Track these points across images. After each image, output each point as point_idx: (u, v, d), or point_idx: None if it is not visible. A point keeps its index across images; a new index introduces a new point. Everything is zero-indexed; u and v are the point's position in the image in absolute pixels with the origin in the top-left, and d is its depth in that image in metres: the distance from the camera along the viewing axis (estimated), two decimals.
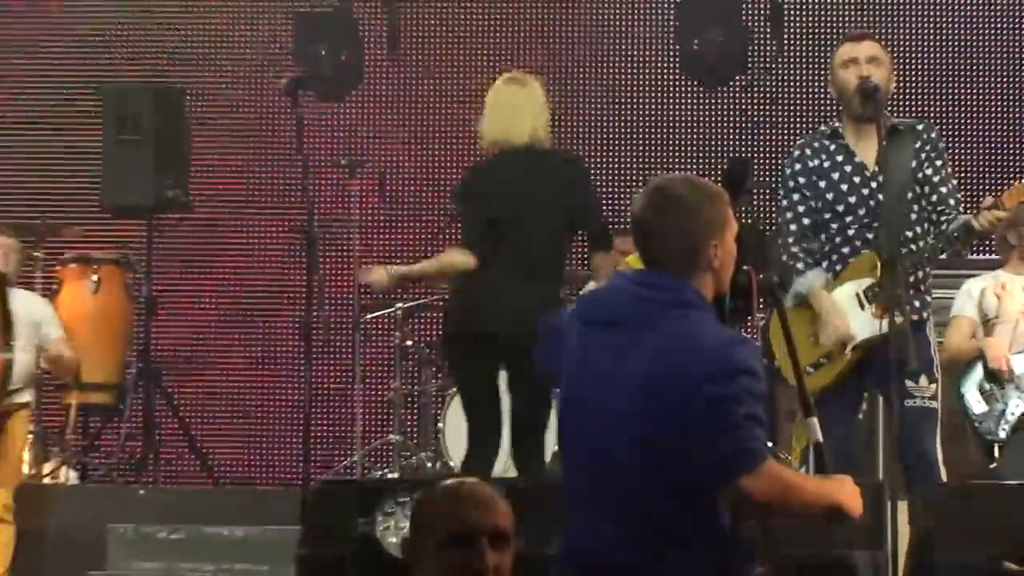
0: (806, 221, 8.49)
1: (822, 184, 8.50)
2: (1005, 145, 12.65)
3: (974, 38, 13.09)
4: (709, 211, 5.51)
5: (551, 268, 8.69)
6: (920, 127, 8.71)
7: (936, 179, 8.56)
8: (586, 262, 9.78)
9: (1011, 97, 12.86)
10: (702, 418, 5.16)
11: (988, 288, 9.93)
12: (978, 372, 9.84)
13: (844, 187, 8.51)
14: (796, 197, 8.52)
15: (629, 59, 13.30)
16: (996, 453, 9.71)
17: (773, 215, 9.10)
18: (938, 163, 8.60)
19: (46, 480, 11.52)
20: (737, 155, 9.48)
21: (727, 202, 5.57)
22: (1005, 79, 12.99)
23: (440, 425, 10.68)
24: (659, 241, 5.52)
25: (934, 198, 8.52)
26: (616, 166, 12.15)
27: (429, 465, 10.91)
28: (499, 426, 9.00)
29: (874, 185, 8.49)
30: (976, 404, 9.73)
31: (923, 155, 8.58)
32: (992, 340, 9.83)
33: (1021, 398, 9.69)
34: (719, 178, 6.63)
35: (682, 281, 5.44)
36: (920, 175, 8.51)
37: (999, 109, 12.84)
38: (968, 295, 9.96)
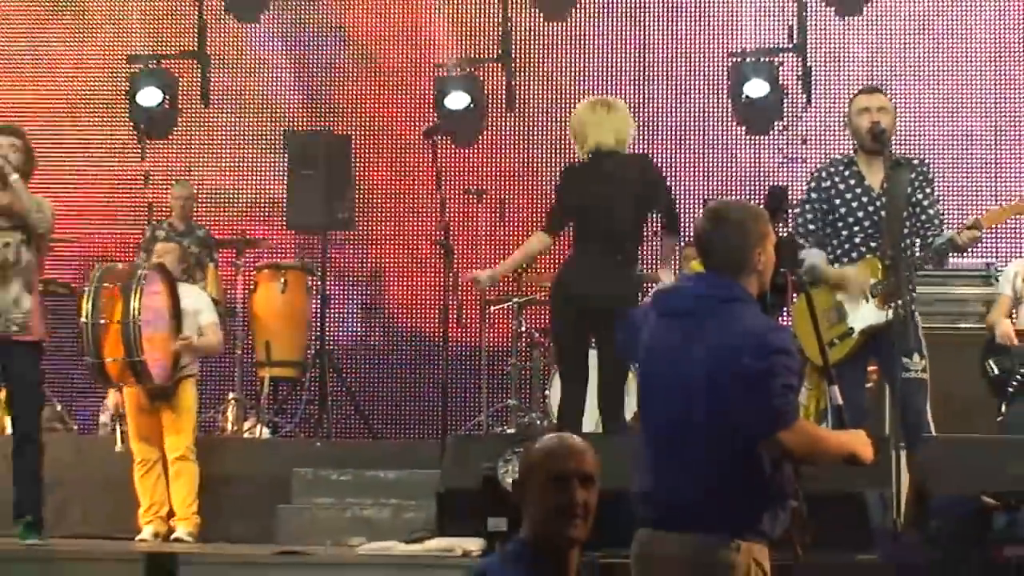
0: (811, 222, 8.50)
1: (837, 201, 8.51)
2: (982, 177, 12.59)
3: (959, 92, 13.03)
4: (754, 227, 5.59)
5: (630, 247, 8.67)
6: (916, 162, 8.76)
7: (926, 203, 8.57)
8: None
9: (987, 139, 12.82)
10: (749, 388, 5.25)
11: (1020, 271, 9.84)
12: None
13: (854, 204, 8.51)
14: (808, 206, 8.55)
15: (692, 108, 13.30)
16: (1003, 408, 9.68)
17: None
18: (928, 190, 8.61)
19: (246, 435, 11.61)
20: (776, 184, 9.43)
21: (767, 220, 5.63)
22: (983, 125, 12.94)
23: (547, 392, 10.68)
24: (716, 250, 5.61)
25: (923, 217, 8.52)
26: (683, 192, 12.12)
27: (538, 423, 10.88)
28: (586, 382, 8.92)
29: (878, 204, 8.48)
30: (992, 368, 9.67)
31: (917, 183, 8.58)
32: (1003, 319, 9.73)
33: None
34: (762, 201, 6.62)
35: (734, 281, 5.53)
36: (914, 199, 8.52)
37: (978, 148, 12.80)
38: (1007, 277, 9.86)
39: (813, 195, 8.50)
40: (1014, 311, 9.80)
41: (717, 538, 5.25)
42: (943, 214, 8.72)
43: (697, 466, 5.31)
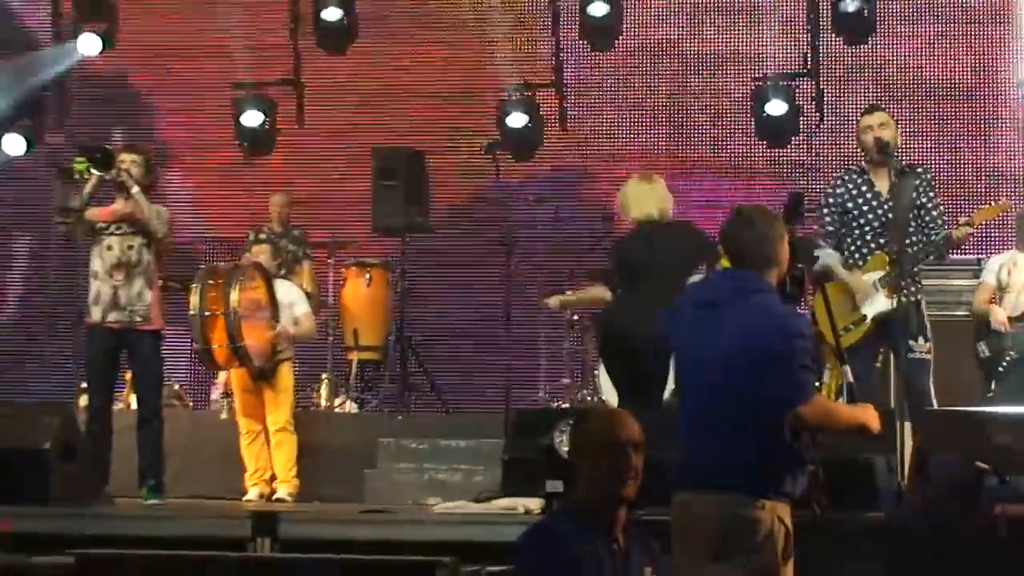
0: (830, 224, 8.59)
1: (849, 205, 8.63)
2: (973, 182, 12.52)
3: (954, 108, 12.99)
4: (772, 228, 5.63)
5: (671, 298, 8.65)
6: (919, 170, 8.80)
7: (929, 205, 8.63)
8: None
9: (979, 152, 12.76)
10: (772, 367, 5.29)
11: (1005, 263, 9.81)
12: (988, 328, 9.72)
13: (865, 208, 8.61)
14: (826, 210, 8.65)
15: (721, 124, 13.29)
16: (993, 385, 9.65)
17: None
18: (931, 194, 8.67)
19: (337, 410, 11.65)
20: (794, 190, 9.42)
21: (783, 222, 5.73)
22: (974, 138, 12.90)
23: (596, 373, 10.60)
24: (742, 249, 5.63)
25: (927, 218, 8.57)
26: (711, 199, 12.09)
27: (589, 399, 10.84)
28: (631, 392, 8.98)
29: (886, 207, 8.60)
30: (984, 350, 9.62)
31: (920, 189, 8.64)
32: (995, 307, 9.68)
33: (1014, 349, 9.58)
34: (783, 204, 6.61)
35: (758, 275, 5.55)
36: (918, 202, 8.57)
37: (971, 159, 12.74)
38: (991, 268, 9.82)
39: (830, 200, 8.60)
40: (995, 297, 9.77)
41: (745, 498, 5.25)
42: (945, 215, 8.75)
43: (727, 435, 5.32)
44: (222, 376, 11.31)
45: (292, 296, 10.47)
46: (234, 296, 9.65)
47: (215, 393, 11.89)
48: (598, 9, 13.09)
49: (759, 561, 5.21)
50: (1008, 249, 10.08)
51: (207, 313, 9.66)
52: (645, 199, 9.07)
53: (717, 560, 5.24)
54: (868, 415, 5.58)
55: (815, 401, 5.47)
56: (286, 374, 10.19)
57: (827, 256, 8.39)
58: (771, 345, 5.33)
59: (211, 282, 9.77)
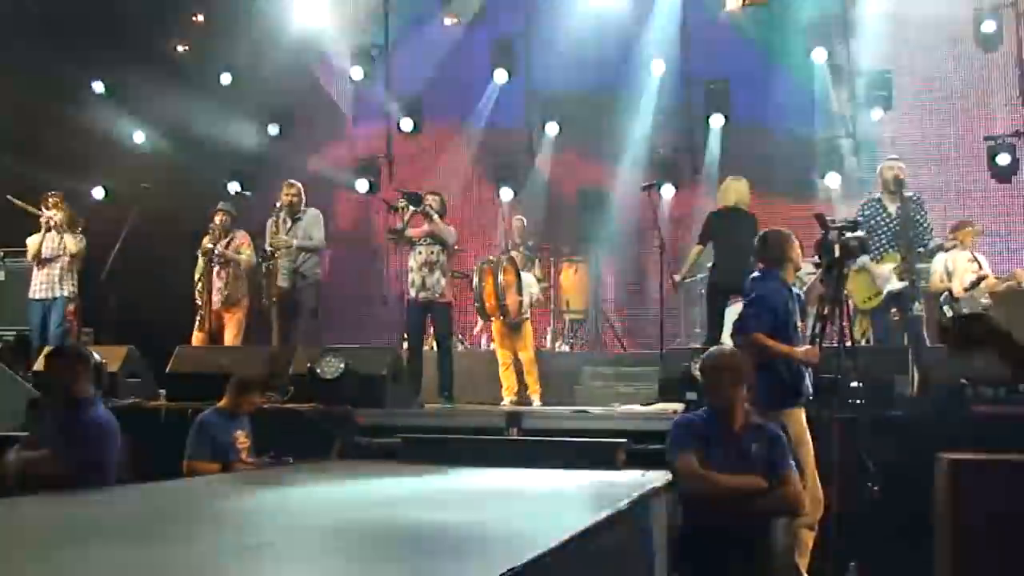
0: (861, 229, 8.29)
1: (871, 222, 8.42)
2: (959, 204, 12.12)
3: (941, 151, 12.54)
4: (788, 241, 6.01)
5: (747, 259, 8.52)
6: (916, 197, 8.54)
7: (923, 221, 8.44)
8: None
9: (959, 185, 12.26)
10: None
11: (947, 258, 9.63)
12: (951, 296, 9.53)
13: (882, 223, 8.43)
14: (862, 219, 8.32)
15: (789, 171, 12.87)
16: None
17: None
18: (923, 212, 8.49)
19: (556, 350, 11.76)
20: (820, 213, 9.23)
21: (793, 239, 6.06)
22: (957, 175, 12.40)
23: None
24: (768, 253, 5.72)
25: (920, 230, 8.37)
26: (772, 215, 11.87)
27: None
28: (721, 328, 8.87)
29: (896, 222, 8.37)
30: (945, 313, 9.44)
31: (917, 209, 8.43)
32: (954, 284, 9.53)
33: (968, 309, 9.35)
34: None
35: (777, 271, 5.89)
36: (916, 218, 8.32)
37: (955, 188, 12.25)
38: (941, 260, 9.59)
39: (859, 219, 8.24)
40: (943, 279, 9.61)
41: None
42: (932, 227, 8.54)
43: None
44: (480, 324, 11.43)
45: (529, 280, 10.61)
46: (501, 277, 9.82)
47: (484, 337, 12.02)
48: None
49: None
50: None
51: (484, 285, 9.85)
52: (734, 191, 8.95)
53: None
54: (810, 353, 5.71)
55: (753, 339, 5.67)
56: (528, 328, 10.26)
57: (862, 258, 8.13)
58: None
59: (485, 267, 9.96)
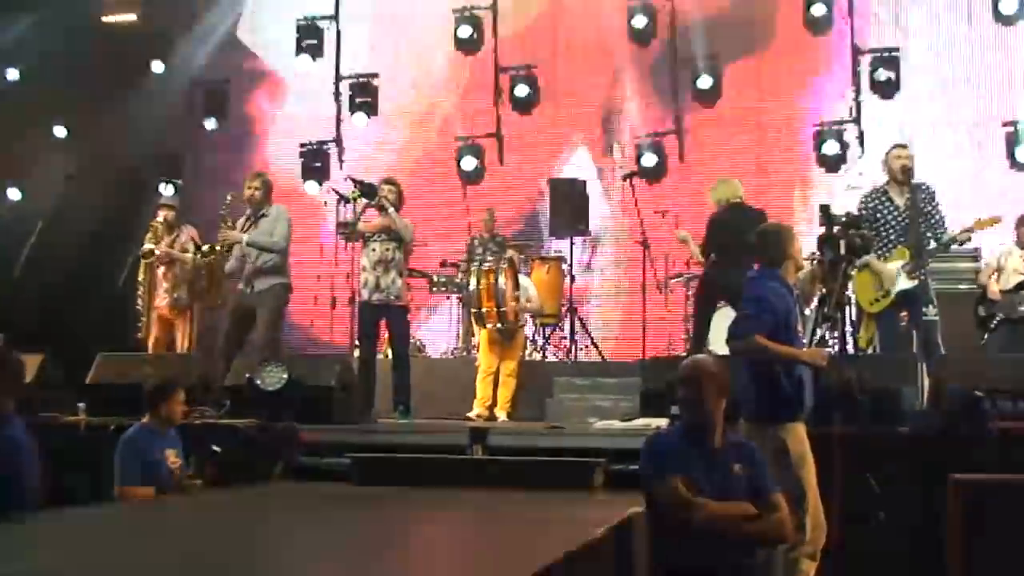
0: (863, 223, 8.28)
1: (877, 214, 8.33)
2: (971, 198, 12.06)
3: (955, 140, 12.59)
4: (787, 237, 5.89)
5: (746, 259, 8.52)
6: (925, 185, 8.47)
7: (935, 213, 8.35)
8: None
9: (972, 174, 12.29)
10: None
11: (1004, 252, 9.66)
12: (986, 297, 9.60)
13: (889, 217, 8.35)
14: (864, 213, 8.27)
15: (791, 158, 12.94)
16: (984, 338, 9.46)
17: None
18: (935, 204, 8.39)
19: (527, 358, 11.58)
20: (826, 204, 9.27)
21: (793, 234, 5.98)
22: (971, 162, 12.45)
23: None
24: (766, 251, 5.84)
25: (932, 222, 8.30)
26: (779, 209, 11.85)
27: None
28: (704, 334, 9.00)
29: (904, 215, 8.31)
30: (982, 312, 9.47)
31: (925, 200, 8.36)
32: (992, 283, 9.56)
33: (1001, 312, 9.40)
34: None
35: (776, 270, 5.80)
36: (926, 210, 8.28)
37: (969, 179, 12.23)
38: (993, 253, 9.69)
39: (863, 212, 8.24)
40: (993, 274, 9.56)
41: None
42: (944, 218, 8.43)
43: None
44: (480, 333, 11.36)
45: (526, 283, 10.62)
46: (502, 280, 9.82)
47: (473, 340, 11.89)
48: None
49: None
50: (1003, 244, 9.79)
51: (481, 288, 9.80)
52: (727, 189, 9.21)
53: None
54: (812, 354, 5.68)
55: (754, 341, 5.58)
56: (520, 336, 10.18)
57: (867, 256, 8.10)
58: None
59: (484, 268, 9.94)
